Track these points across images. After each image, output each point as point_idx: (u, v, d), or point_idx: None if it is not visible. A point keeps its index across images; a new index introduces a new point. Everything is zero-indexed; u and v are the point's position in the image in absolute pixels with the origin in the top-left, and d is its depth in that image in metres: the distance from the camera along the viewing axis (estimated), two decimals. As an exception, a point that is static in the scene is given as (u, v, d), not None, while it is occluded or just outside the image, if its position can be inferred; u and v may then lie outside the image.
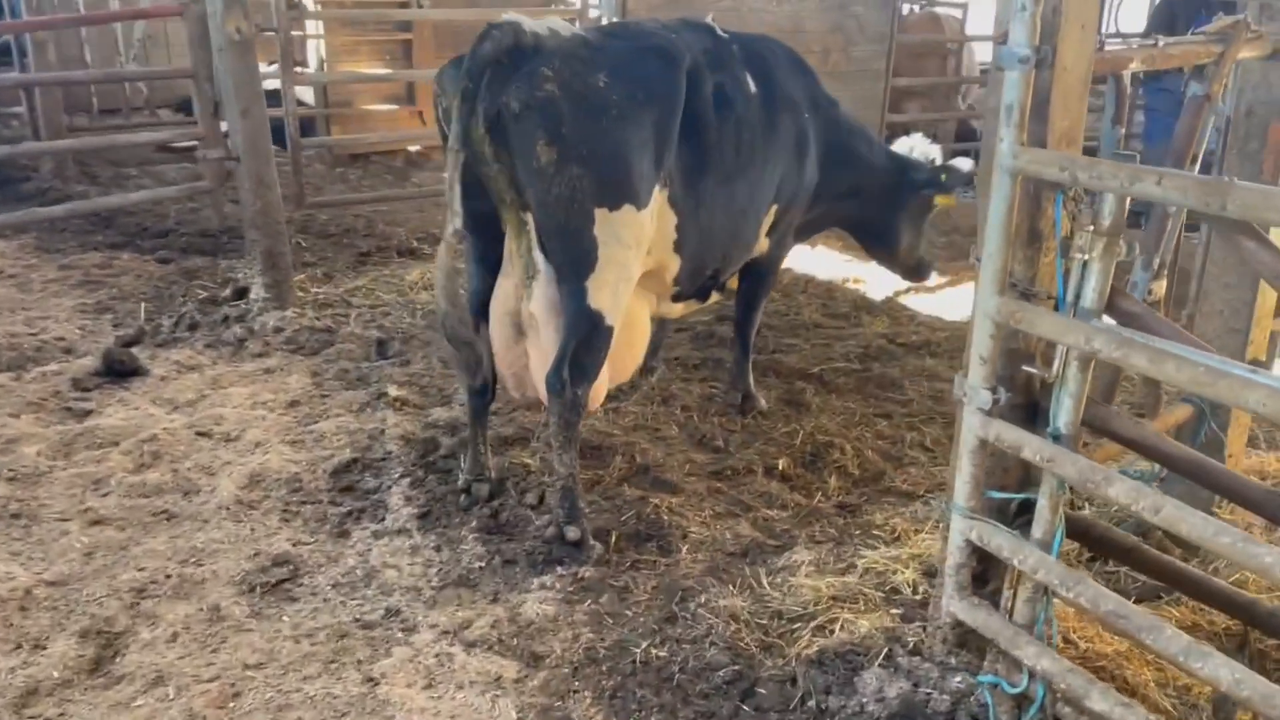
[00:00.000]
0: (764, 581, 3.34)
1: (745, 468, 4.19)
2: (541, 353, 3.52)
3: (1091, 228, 2.16)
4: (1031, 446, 2.23)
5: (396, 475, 4.07)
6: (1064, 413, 2.25)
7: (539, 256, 3.43)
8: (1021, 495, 2.45)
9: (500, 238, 3.56)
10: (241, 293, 5.96)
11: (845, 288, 6.91)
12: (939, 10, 10.25)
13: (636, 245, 3.49)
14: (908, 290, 6.87)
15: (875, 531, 3.66)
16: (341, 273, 6.88)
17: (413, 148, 10.81)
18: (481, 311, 3.73)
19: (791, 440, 4.44)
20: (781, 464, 4.22)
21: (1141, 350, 2.04)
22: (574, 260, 3.40)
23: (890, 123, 8.80)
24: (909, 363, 5.50)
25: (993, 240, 2.23)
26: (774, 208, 4.28)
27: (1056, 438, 2.26)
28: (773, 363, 5.46)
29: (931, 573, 3.23)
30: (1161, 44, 2.72)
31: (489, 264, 3.67)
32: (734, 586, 3.32)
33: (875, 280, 7.07)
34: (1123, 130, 3.06)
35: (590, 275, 3.40)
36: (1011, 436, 2.27)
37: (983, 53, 11.57)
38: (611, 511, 3.75)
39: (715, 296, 4.49)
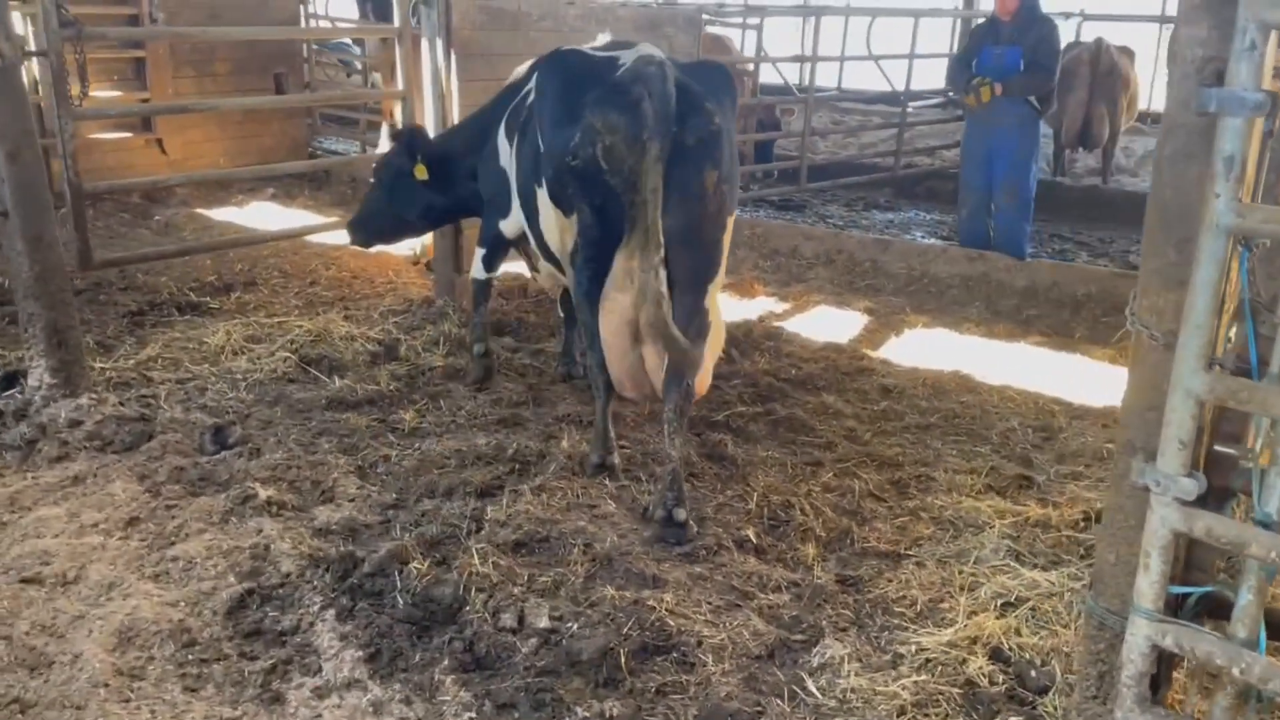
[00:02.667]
0: (811, 687, 2.93)
1: (716, 544, 3.75)
2: (658, 355, 3.87)
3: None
4: (1261, 542, 1.97)
5: (315, 607, 3.26)
6: (1276, 497, 2.02)
7: (663, 272, 3.67)
8: (1205, 589, 2.21)
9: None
10: (10, 380, 4.74)
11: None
12: (718, 31, 10.28)
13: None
14: (761, 318, 6.72)
15: (896, 609, 3.35)
16: (117, 340, 5.72)
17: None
18: None
19: (744, 503, 4.06)
20: (750, 534, 3.83)
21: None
22: (706, 268, 3.90)
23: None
24: (805, 400, 5.28)
25: (1199, 309, 1.96)
26: None
27: (1266, 524, 2.03)
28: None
29: (1000, 657, 2.97)
30: None
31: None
32: (783, 700, 2.89)
33: (724, 309, 6.86)
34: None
35: (714, 279, 3.94)
36: (1229, 531, 2.01)
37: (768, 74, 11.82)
38: (605, 623, 3.19)
39: None
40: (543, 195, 4.20)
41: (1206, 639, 2.09)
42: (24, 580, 3.31)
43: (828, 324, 6.68)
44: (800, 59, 13.17)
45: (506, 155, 4.81)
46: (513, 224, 4.96)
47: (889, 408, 5.24)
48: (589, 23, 7.02)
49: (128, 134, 9.48)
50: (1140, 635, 2.16)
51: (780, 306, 7.04)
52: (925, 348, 6.27)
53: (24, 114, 4.29)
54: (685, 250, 3.77)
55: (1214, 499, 2.17)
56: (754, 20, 11.25)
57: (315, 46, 12.07)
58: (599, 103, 3.69)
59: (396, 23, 6.20)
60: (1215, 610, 2.28)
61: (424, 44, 6.12)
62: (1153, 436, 2.15)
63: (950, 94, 8.27)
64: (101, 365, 5.17)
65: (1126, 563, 2.28)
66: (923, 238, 9.62)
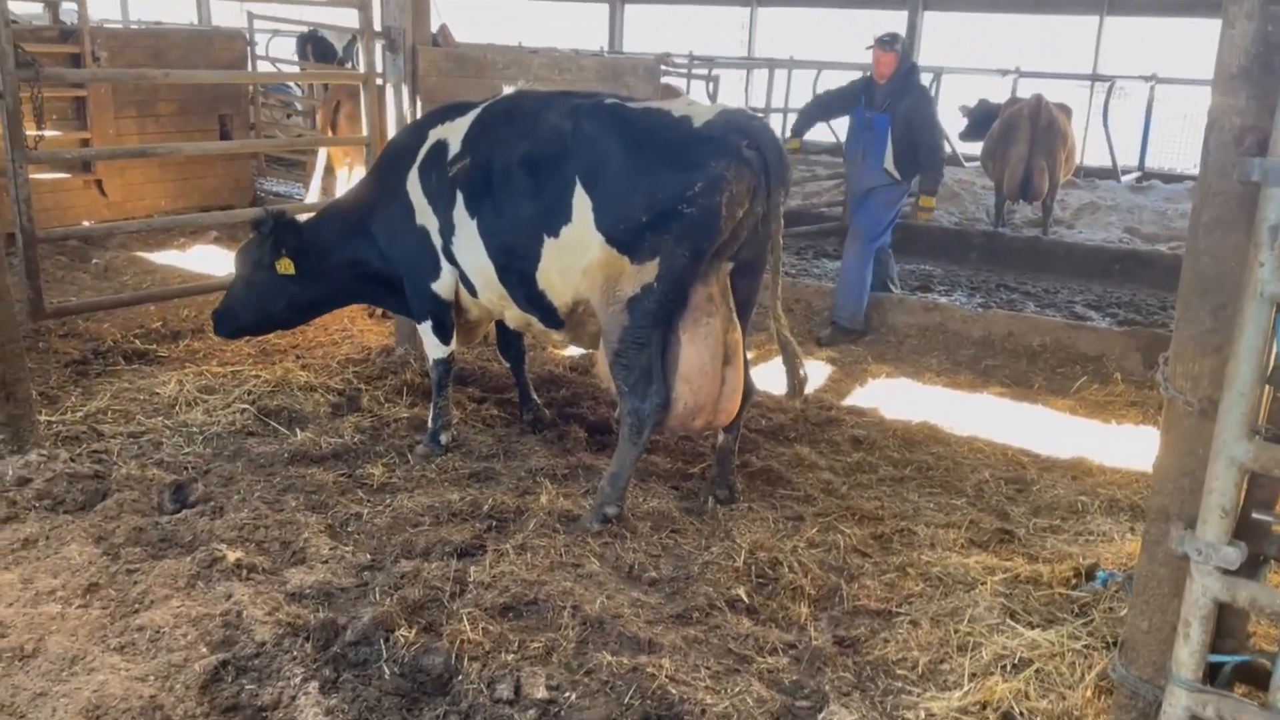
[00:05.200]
0: (823, 756, 2.85)
1: (707, 604, 3.66)
2: (737, 375, 4.28)
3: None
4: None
5: (297, 679, 3.09)
6: (1316, 563, 2.02)
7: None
8: (1243, 658, 2.19)
9: None
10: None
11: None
12: (670, 80, 10.37)
13: None
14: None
15: (898, 670, 3.30)
16: (62, 391, 5.47)
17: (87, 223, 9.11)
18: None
19: (731, 561, 3.98)
20: (741, 593, 3.75)
21: None
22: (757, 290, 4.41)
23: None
24: (777, 451, 5.26)
25: (1243, 377, 1.96)
26: None
27: (1305, 590, 2.02)
28: (644, 464, 4.98)
29: (1013, 721, 2.93)
30: None
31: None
32: (797, 770, 2.80)
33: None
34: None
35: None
36: (1273, 601, 2.00)
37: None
38: (604, 692, 3.07)
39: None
40: (574, 242, 4.16)
41: (1249, 710, 2.07)
42: (-23, 655, 3.08)
43: (792, 374, 6.68)
44: (748, 110, 13.41)
45: (425, 213, 4.73)
46: (446, 283, 4.84)
47: (862, 459, 5.24)
48: (553, 71, 7.01)
49: (65, 175, 9.17)
50: (1179, 706, 2.14)
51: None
52: (890, 398, 6.31)
53: (-23, 157, 4.09)
54: (753, 274, 4.33)
55: (1247, 566, 2.16)
56: (706, 71, 11.39)
57: (261, 88, 11.87)
58: (723, 153, 3.90)
59: (362, 68, 6.10)
60: (1248, 678, 2.27)
61: (389, 90, 6.03)
62: (1187, 503, 2.14)
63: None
64: (48, 418, 4.92)
65: (1160, 630, 2.26)
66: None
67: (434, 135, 4.74)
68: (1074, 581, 3.77)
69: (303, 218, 5.26)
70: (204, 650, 3.20)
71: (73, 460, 4.46)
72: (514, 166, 4.33)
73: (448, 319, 4.98)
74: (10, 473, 4.23)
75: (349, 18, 14.65)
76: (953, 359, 7.22)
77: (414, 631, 3.31)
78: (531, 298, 4.48)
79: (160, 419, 5.11)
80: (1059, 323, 7.66)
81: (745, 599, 3.72)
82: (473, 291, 4.79)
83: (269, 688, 3.06)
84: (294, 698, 3.02)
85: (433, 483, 4.65)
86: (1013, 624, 3.50)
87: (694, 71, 11.72)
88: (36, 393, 5.26)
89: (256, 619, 3.36)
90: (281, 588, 3.60)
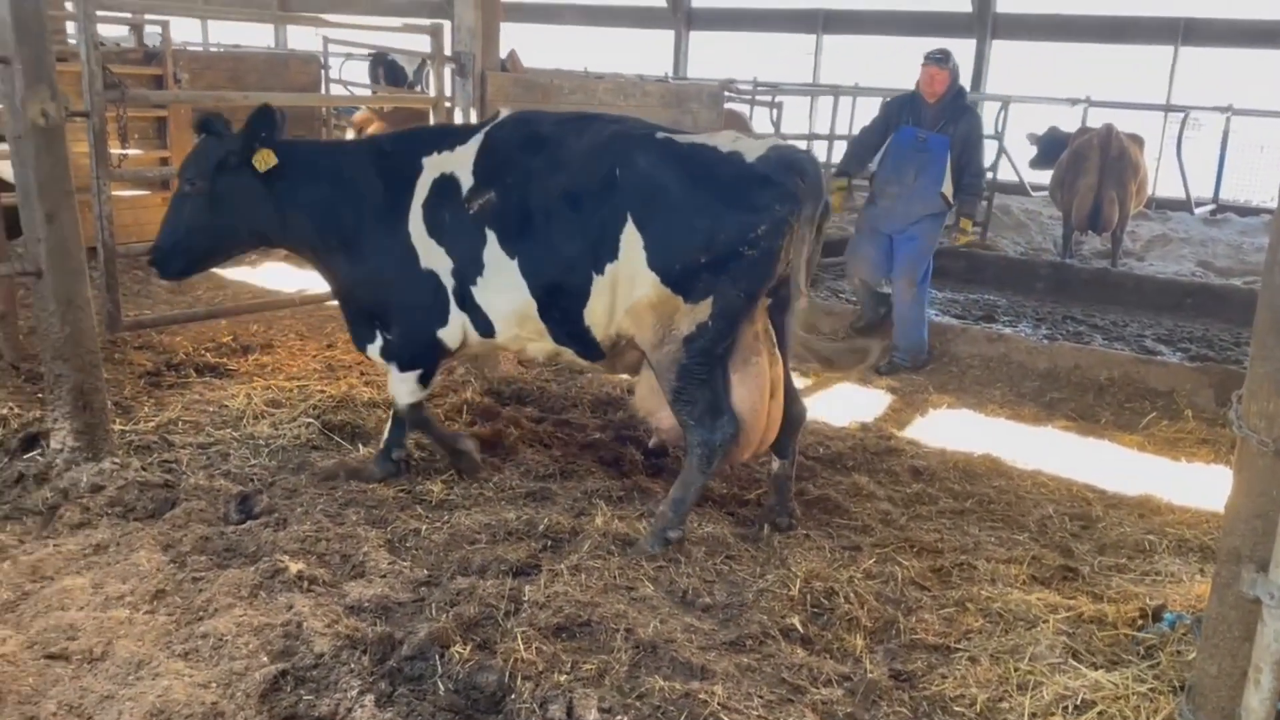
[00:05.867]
0: (877, 791, 2.81)
1: (761, 632, 3.64)
2: (779, 409, 4.37)
3: None
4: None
5: (354, 691, 3.13)
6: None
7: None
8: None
9: None
10: (31, 442, 4.63)
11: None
12: (734, 107, 10.41)
13: None
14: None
15: (955, 708, 3.24)
16: (136, 401, 5.63)
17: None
18: None
19: (786, 589, 3.95)
20: (795, 622, 3.72)
21: None
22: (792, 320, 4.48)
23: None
24: (835, 480, 5.21)
25: (1320, 416, 1.91)
26: None
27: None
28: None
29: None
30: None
31: None
32: (849, 804, 2.76)
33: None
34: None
35: None
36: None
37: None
38: (656, 717, 3.06)
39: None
40: (622, 279, 4.11)
41: (1324, 761, 2.00)
42: (49, 656, 3.18)
43: (851, 402, 6.64)
44: (811, 136, 13.38)
45: (433, 255, 4.41)
46: (454, 331, 4.53)
47: (922, 491, 5.17)
48: (618, 97, 7.09)
49: (145, 192, 9.47)
50: (1250, 754, 2.07)
51: (801, 383, 6.97)
52: (951, 429, 6.22)
53: (65, 175, 4.25)
54: (789, 309, 4.36)
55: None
56: (769, 97, 11.43)
57: (334, 110, 12.17)
58: (785, 195, 3.93)
59: (432, 92, 6.23)
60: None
61: (457, 114, 6.15)
62: (1260, 545, 2.09)
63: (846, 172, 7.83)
64: (121, 427, 5.07)
65: (1229, 675, 2.20)
66: (936, 315, 9.62)
67: (432, 166, 4.43)
68: (1140, 622, 3.67)
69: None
70: (264, 659, 3.25)
71: (144, 469, 4.58)
72: (557, 200, 4.19)
73: (438, 368, 4.73)
74: (84, 480, 4.36)
75: (421, 42, 15.04)
76: (1017, 391, 7.10)
77: (468, 649, 3.33)
78: (575, 333, 4.37)
79: (228, 431, 5.23)
80: (1128, 356, 7.50)
81: (800, 628, 3.69)
82: (489, 332, 4.52)
83: (326, 699, 3.10)
84: (350, 710, 3.05)
85: (489, 501, 4.69)
86: (1075, 664, 3.41)
87: (758, 98, 11.75)
88: (111, 403, 5.42)
89: (316, 630, 3.41)
90: (341, 600, 3.65)
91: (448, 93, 6.20)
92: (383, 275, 4.50)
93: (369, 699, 3.09)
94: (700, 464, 4.20)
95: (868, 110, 13.83)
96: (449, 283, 4.44)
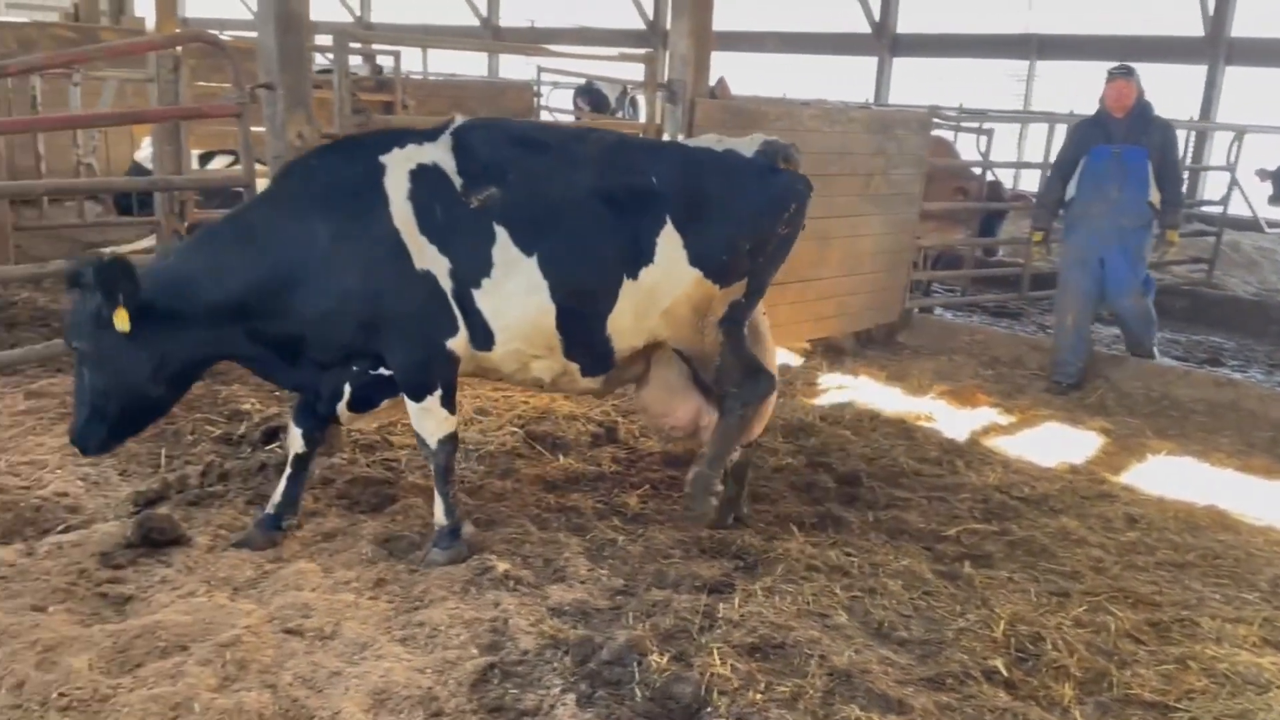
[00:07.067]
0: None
1: (961, 671, 3.53)
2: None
3: None
4: None
5: (556, 689, 3.26)
6: None
7: None
8: None
9: None
10: (271, 435, 5.06)
11: (920, 426, 6.41)
12: (939, 133, 10.17)
13: None
14: (984, 429, 6.45)
15: (1179, 769, 3.05)
16: (359, 402, 6.03)
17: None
18: None
19: (988, 630, 3.82)
20: (998, 665, 3.59)
21: None
22: None
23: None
24: (1042, 522, 4.98)
25: None
26: None
27: None
28: (895, 520, 4.88)
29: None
30: None
31: None
32: None
33: (943, 416, 6.65)
34: None
35: None
36: None
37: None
38: (855, 748, 3.04)
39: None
40: (656, 282, 4.16)
41: None
42: (287, 631, 3.46)
43: (1059, 442, 6.33)
44: (1018, 165, 12.89)
45: (427, 254, 3.89)
46: (463, 338, 4.01)
47: (1138, 540, 4.87)
48: (824, 123, 7.09)
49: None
50: None
51: (1005, 419, 6.74)
52: (1171, 477, 5.82)
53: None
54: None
55: None
56: (976, 124, 11.09)
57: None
58: (799, 177, 4.33)
59: (642, 118, 6.43)
60: None
61: (665, 139, 6.31)
62: None
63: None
64: (348, 427, 5.46)
65: None
66: (1163, 357, 9.04)
67: (398, 161, 3.93)
68: (1393, 699, 3.34)
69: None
70: (474, 651, 3.44)
71: (368, 466, 4.94)
72: (582, 201, 4.07)
73: (456, 382, 4.14)
74: (316, 473, 4.72)
75: (626, 71, 15.48)
76: (1246, 440, 6.57)
77: (665, 659, 3.40)
78: (590, 344, 4.17)
79: (441, 435, 5.54)
80: (1379, 409, 6.82)
81: (1003, 671, 3.56)
82: (486, 344, 4.06)
83: (530, 694, 3.24)
84: (553, 707, 3.18)
85: (683, 518, 4.77)
86: (1315, 737, 3.14)
87: (963, 124, 11.43)
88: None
89: (521, 628, 3.57)
90: (544, 602, 3.81)
91: (658, 119, 6.37)
92: (364, 284, 3.85)
93: (570, 698, 3.21)
94: (741, 423, 4.45)
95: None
96: (447, 285, 3.95)
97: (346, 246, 3.84)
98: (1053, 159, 9.54)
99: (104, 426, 3.78)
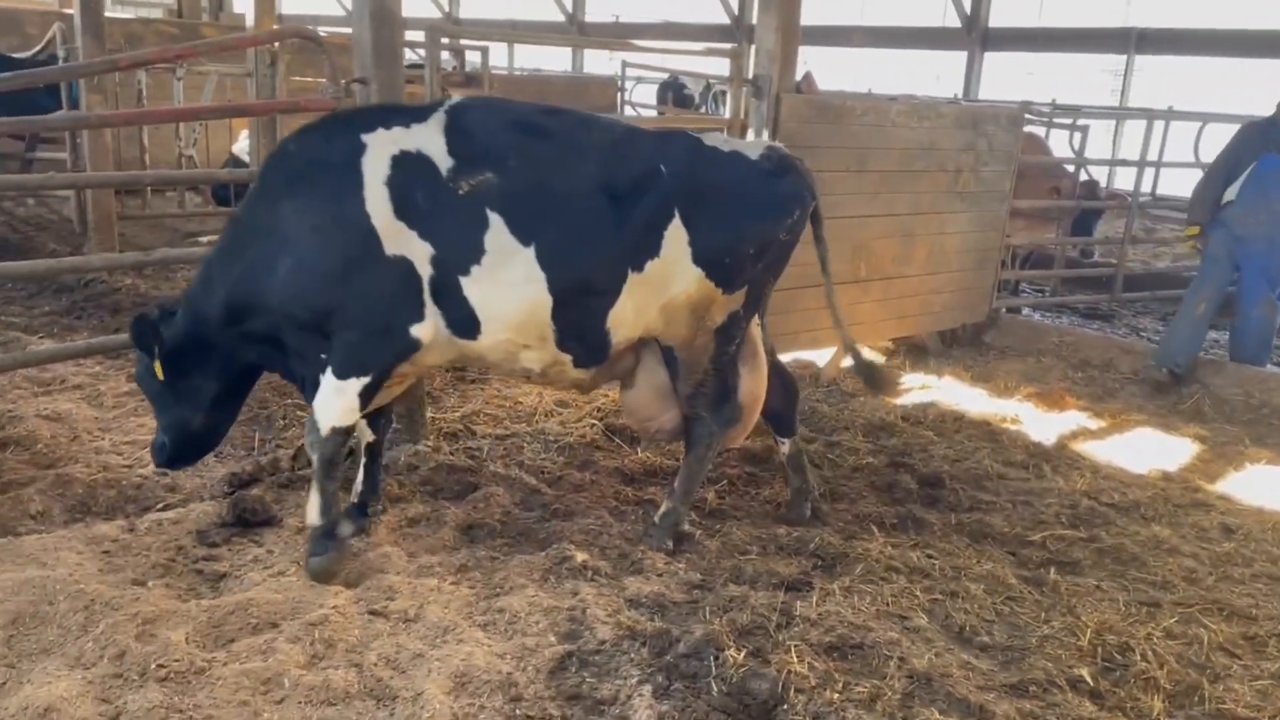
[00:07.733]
0: None
1: (1045, 679, 3.47)
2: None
3: None
4: None
5: (633, 680, 3.29)
6: None
7: None
8: None
9: None
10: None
11: (1005, 428, 6.28)
12: (1031, 130, 9.93)
13: None
14: (1073, 433, 6.30)
15: (1274, 789, 2.95)
16: (444, 392, 6.15)
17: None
18: None
19: (1074, 638, 3.74)
20: (1084, 674, 3.51)
21: None
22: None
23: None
24: (1133, 530, 4.85)
25: None
26: None
27: None
28: (979, 524, 4.80)
29: None
30: None
31: None
32: None
33: (1029, 418, 6.50)
34: None
35: None
36: None
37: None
38: (934, 751, 3.00)
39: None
40: (659, 277, 3.99)
41: None
42: (372, 612, 3.56)
43: (1151, 448, 6.15)
44: (1113, 162, 12.51)
45: (401, 239, 3.73)
46: (429, 327, 3.84)
47: (1234, 551, 4.71)
48: (912, 119, 6.98)
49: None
50: None
51: (1094, 423, 6.56)
52: (1271, 487, 5.61)
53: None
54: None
55: None
56: (1069, 120, 10.80)
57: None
58: (802, 184, 4.22)
59: (727, 114, 6.42)
60: None
61: (749, 135, 6.28)
62: None
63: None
64: (433, 415, 5.57)
65: None
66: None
67: (381, 144, 3.78)
68: None
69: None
70: (553, 639, 3.48)
71: (451, 454, 5.03)
72: (588, 191, 3.91)
73: (387, 378, 3.93)
74: (402, 459, 4.85)
75: (712, 66, 15.44)
76: (1354, 452, 6.30)
77: (742, 654, 3.40)
78: (585, 335, 4.01)
79: (523, 425, 5.63)
80: None
81: (1089, 680, 3.48)
82: (470, 332, 3.91)
83: (607, 683, 3.28)
84: (629, 697, 3.20)
85: (760, 515, 4.76)
86: None
87: (1056, 120, 11.13)
88: (424, 392, 6.00)
89: (599, 618, 3.61)
90: (621, 593, 3.84)
91: (742, 115, 6.34)
92: (325, 271, 3.72)
93: (647, 689, 3.23)
94: (707, 452, 4.39)
95: (1181, 136, 12.77)
96: (425, 272, 3.79)
97: (311, 224, 3.74)
98: (1150, 156, 9.23)
99: (174, 450, 4.11)
